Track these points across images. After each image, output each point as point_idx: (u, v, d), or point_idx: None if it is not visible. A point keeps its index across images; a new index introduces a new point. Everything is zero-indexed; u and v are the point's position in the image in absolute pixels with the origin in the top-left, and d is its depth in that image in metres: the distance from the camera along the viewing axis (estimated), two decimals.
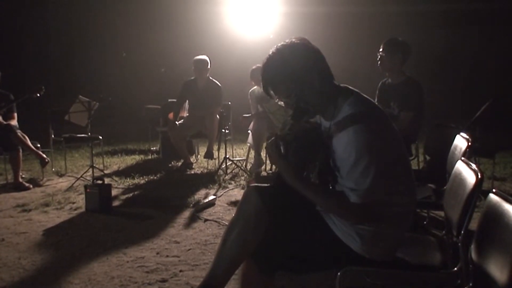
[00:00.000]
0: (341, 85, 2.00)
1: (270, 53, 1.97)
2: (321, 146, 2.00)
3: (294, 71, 1.91)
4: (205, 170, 6.61)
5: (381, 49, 4.27)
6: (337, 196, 1.90)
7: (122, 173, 6.36)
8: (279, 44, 1.97)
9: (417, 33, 11.33)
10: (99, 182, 4.70)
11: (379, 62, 4.30)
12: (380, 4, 11.53)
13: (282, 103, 2.01)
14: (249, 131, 6.29)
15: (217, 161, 6.77)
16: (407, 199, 1.95)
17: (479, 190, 1.82)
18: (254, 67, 6.25)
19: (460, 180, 2.03)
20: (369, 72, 4.76)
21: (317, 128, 2.04)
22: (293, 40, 1.97)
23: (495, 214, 1.62)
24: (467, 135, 2.90)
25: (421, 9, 11.59)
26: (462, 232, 1.84)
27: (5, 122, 5.77)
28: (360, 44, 11.17)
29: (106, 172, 6.38)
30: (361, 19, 11.94)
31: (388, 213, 1.89)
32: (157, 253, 3.44)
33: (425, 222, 3.90)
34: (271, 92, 1.99)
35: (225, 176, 6.00)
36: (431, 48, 12.02)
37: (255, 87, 6.32)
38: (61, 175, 6.44)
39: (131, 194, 5.27)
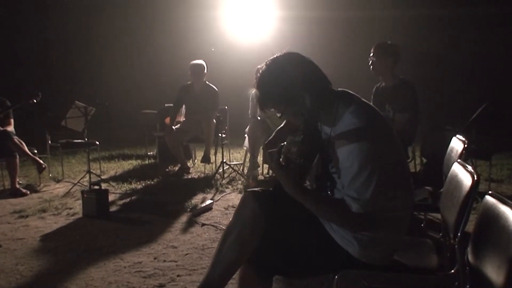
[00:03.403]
0: (339, 89, 2.01)
1: (263, 69, 1.97)
2: (321, 152, 2.00)
3: (289, 84, 1.91)
4: (202, 175, 6.61)
5: (371, 54, 4.29)
6: (338, 205, 1.88)
7: (119, 178, 6.35)
8: (270, 59, 1.97)
9: (415, 37, 11.38)
10: (96, 187, 4.69)
11: (371, 67, 4.32)
12: (377, 9, 11.56)
13: (280, 115, 2.01)
14: (246, 135, 6.29)
15: (214, 166, 6.77)
16: (405, 203, 1.95)
17: (476, 192, 1.82)
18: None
19: (457, 183, 2.04)
20: (366, 76, 4.77)
21: (317, 135, 2.03)
22: (284, 53, 1.98)
23: (491, 216, 1.62)
24: (463, 137, 2.91)
25: (419, 13, 11.62)
26: (459, 234, 1.84)
27: (1, 128, 5.77)
28: (357, 48, 11.20)
29: (103, 177, 6.38)
30: (357, 23, 11.96)
31: (386, 218, 1.88)
32: (155, 258, 3.43)
33: (422, 225, 3.91)
34: (270, 106, 1.99)
35: (222, 181, 6.00)
36: (428, 52, 12.06)
37: None
38: (58, 181, 6.43)
39: (128, 199, 5.26)
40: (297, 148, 1.85)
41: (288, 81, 1.91)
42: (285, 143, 1.90)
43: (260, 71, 1.97)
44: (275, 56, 1.98)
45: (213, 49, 7.54)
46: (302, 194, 1.87)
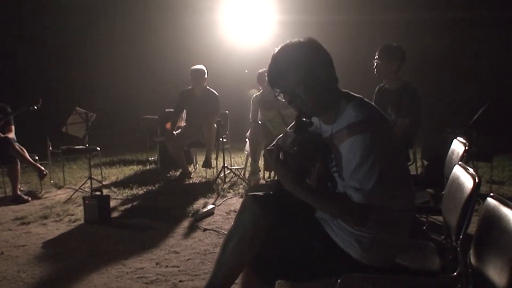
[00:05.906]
0: (343, 90, 2.01)
1: (278, 48, 1.96)
2: (321, 152, 2.00)
3: (301, 64, 1.90)
4: (204, 179, 6.61)
5: (376, 56, 4.27)
6: (339, 199, 1.89)
7: (120, 184, 6.35)
8: (287, 41, 1.96)
9: (415, 39, 11.39)
10: (98, 193, 4.69)
11: (375, 70, 4.30)
12: (377, 12, 11.58)
13: (285, 100, 1.99)
14: (247, 140, 6.30)
15: (215, 170, 6.77)
16: (407, 205, 1.95)
17: (477, 194, 1.83)
18: (261, 70, 6.22)
19: (458, 185, 2.04)
20: (366, 80, 4.77)
21: (317, 134, 2.03)
22: (301, 39, 1.97)
23: (493, 217, 1.62)
24: (464, 139, 2.91)
25: (419, 16, 11.63)
26: (461, 236, 1.84)
27: (2, 135, 5.78)
28: (357, 52, 11.22)
29: (104, 183, 6.38)
30: (357, 27, 11.98)
31: (388, 219, 1.88)
32: (157, 264, 3.43)
33: (424, 227, 3.90)
34: (279, 84, 1.96)
35: (223, 185, 6.00)
36: (428, 54, 12.08)
37: (258, 93, 6.32)
38: (59, 187, 6.43)
39: (129, 205, 5.26)
40: (291, 138, 1.86)
41: (307, 56, 1.91)
42: (281, 136, 1.91)
43: (277, 49, 1.96)
44: (296, 40, 1.97)
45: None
46: (302, 190, 1.86)
